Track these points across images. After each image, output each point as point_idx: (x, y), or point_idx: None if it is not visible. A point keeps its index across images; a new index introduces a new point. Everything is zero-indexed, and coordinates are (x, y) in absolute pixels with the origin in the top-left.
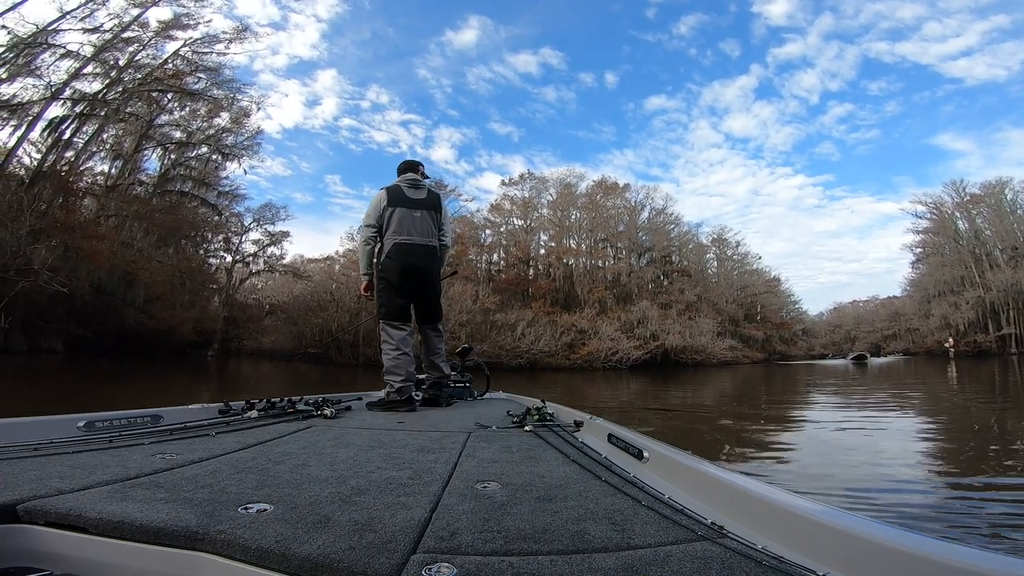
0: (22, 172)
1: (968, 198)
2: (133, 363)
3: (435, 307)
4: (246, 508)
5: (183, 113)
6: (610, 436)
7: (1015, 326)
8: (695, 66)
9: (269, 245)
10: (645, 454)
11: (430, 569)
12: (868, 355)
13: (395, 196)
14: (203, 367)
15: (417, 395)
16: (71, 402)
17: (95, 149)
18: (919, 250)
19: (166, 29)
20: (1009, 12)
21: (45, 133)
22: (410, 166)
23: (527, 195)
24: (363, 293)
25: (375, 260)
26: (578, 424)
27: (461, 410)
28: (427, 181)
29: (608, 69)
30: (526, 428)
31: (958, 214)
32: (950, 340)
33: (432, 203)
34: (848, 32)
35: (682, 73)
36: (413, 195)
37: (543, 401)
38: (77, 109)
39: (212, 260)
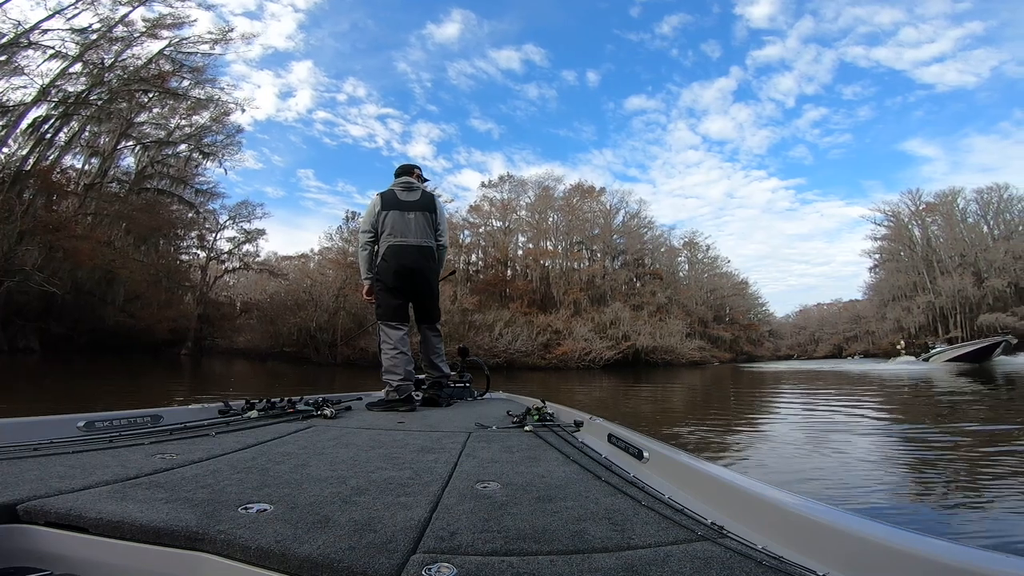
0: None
1: (923, 207)
2: (108, 362)
3: (432, 307)
4: (246, 508)
5: (162, 110)
6: (610, 436)
7: (961, 329)
8: (676, 67)
9: (244, 243)
10: (645, 454)
11: (430, 569)
12: (1010, 339)
13: (388, 200)
14: (177, 366)
15: (417, 395)
16: (67, 402)
17: (71, 146)
18: (877, 256)
19: (152, 28)
20: (983, 19)
21: (27, 133)
22: (405, 170)
23: (506, 197)
24: (365, 297)
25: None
26: (578, 424)
27: (461, 410)
28: (426, 184)
29: (591, 67)
30: (526, 428)
31: (914, 222)
32: (901, 343)
33: (426, 204)
34: (827, 36)
35: (663, 73)
36: (406, 197)
37: (543, 401)
38: (60, 109)
39: (184, 257)
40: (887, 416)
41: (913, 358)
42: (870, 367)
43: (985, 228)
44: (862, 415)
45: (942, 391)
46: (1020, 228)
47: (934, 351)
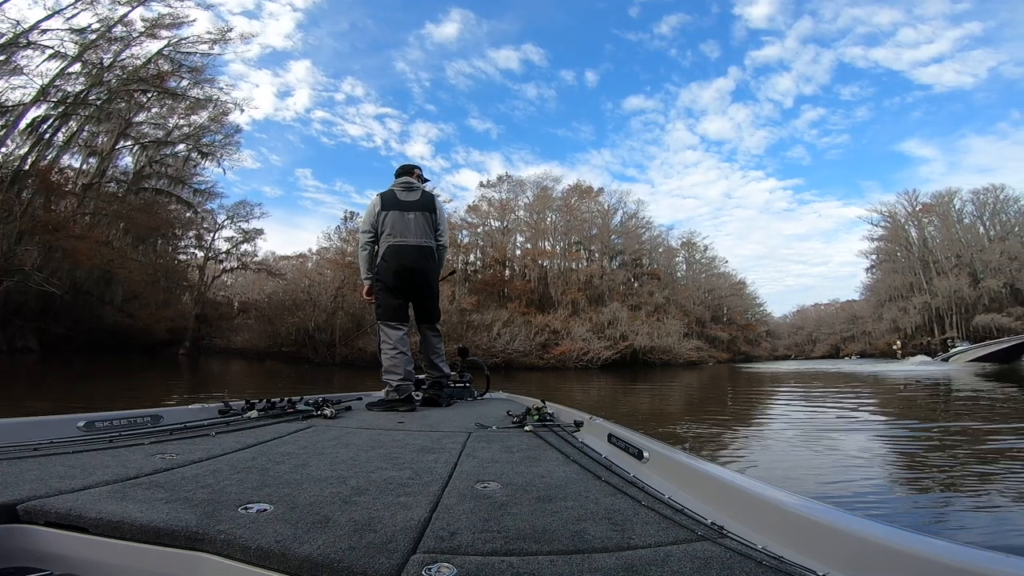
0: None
1: (920, 208)
2: (107, 362)
3: (431, 307)
4: (246, 508)
5: (161, 110)
6: (610, 436)
7: (957, 330)
8: (675, 67)
9: (242, 242)
10: (645, 454)
11: (430, 569)
12: None
13: (388, 200)
14: (175, 365)
15: (417, 395)
16: (67, 402)
17: (70, 146)
18: (874, 256)
19: (151, 28)
20: (982, 19)
21: (26, 132)
22: (405, 170)
23: (504, 197)
24: (365, 297)
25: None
26: (578, 424)
27: (461, 410)
28: (427, 184)
29: (589, 67)
30: (526, 428)
31: (911, 223)
32: (898, 343)
33: (425, 204)
34: (826, 36)
35: (662, 74)
36: (406, 197)
37: (543, 401)
38: (59, 109)
39: (182, 257)
40: (929, 428)
41: (928, 358)
42: (882, 368)
43: (981, 229)
44: (901, 429)
45: (975, 396)
46: (1016, 229)
47: (954, 350)
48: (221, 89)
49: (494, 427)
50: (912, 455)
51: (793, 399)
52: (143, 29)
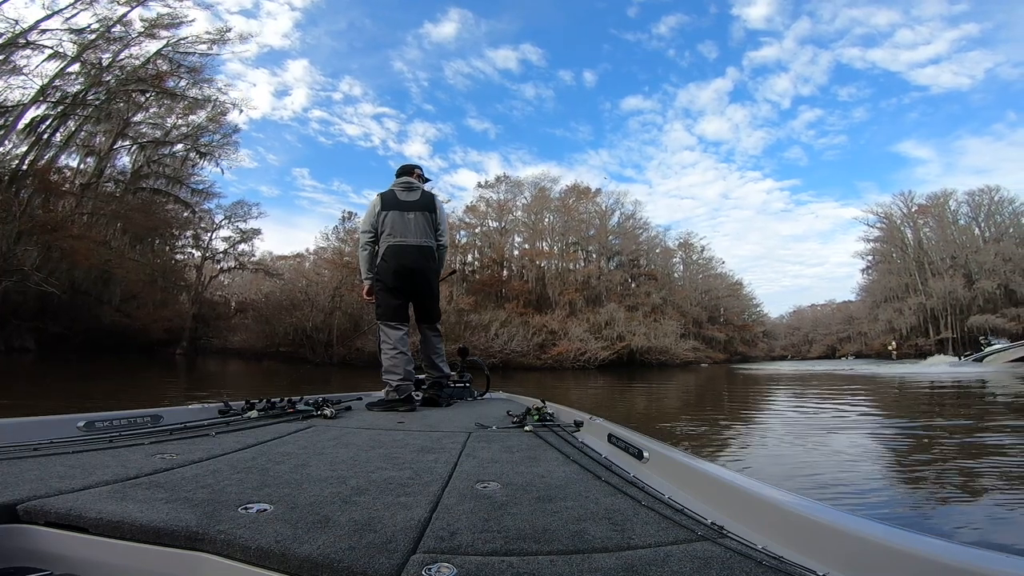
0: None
1: (915, 209)
2: (105, 362)
3: (432, 307)
4: (246, 508)
5: (159, 110)
6: (610, 436)
7: (951, 330)
8: (673, 67)
9: (240, 242)
10: (645, 454)
11: (430, 569)
12: None
13: (388, 200)
14: (172, 365)
15: (417, 395)
16: (65, 402)
17: (68, 146)
18: (870, 257)
19: (150, 28)
20: (979, 21)
21: (25, 132)
22: (406, 170)
23: (502, 197)
24: (365, 297)
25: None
26: (578, 424)
27: (461, 410)
28: (428, 184)
29: (587, 67)
30: (526, 428)
31: (906, 224)
32: (893, 343)
33: (425, 204)
34: (823, 37)
35: (659, 74)
36: (406, 197)
37: (543, 401)
38: (58, 109)
39: (179, 257)
40: None
41: (956, 358)
42: (905, 370)
43: (976, 230)
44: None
45: None
46: (1010, 230)
47: (990, 349)
48: (219, 89)
49: (494, 427)
50: None
51: (827, 410)
52: (142, 29)
